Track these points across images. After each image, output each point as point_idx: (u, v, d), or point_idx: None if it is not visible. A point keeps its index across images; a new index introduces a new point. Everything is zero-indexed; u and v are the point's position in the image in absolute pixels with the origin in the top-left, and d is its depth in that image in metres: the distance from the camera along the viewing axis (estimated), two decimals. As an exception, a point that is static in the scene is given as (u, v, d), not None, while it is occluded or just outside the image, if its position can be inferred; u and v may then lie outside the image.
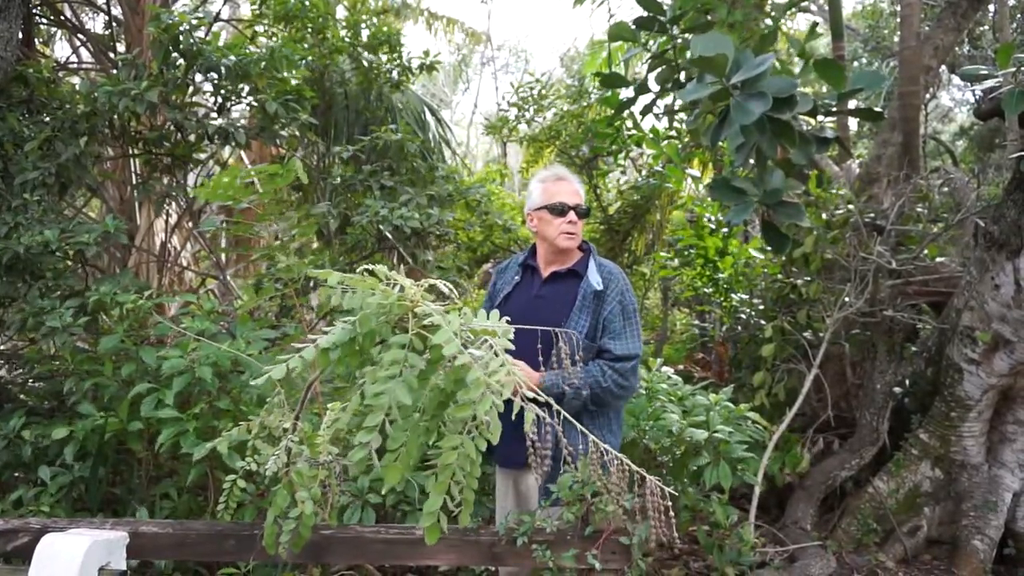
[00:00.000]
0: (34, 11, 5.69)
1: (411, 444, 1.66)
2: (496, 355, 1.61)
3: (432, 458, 1.67)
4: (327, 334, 1.68)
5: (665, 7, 3.09)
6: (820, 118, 2.89)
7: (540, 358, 2.29)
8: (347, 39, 5.52)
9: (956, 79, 13.20)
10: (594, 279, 2.63)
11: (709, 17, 3.13)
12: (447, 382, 1.65)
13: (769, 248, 4.31)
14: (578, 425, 1.83)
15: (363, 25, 5.63)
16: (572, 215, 2.67)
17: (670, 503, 1.79)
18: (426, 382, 1.66)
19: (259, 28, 5.69)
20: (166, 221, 5.98)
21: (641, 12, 3.06)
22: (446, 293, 1.81)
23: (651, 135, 6.08)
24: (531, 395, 1.69)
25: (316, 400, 2.77)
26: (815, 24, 3.78)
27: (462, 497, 1.68)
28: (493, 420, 1.58)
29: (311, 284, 4.10)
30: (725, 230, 5.55)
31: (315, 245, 5.47)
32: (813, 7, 10.86)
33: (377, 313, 1.66)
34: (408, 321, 1.66)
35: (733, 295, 5.53)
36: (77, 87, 4.80)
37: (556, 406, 1.77)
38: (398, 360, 1.59)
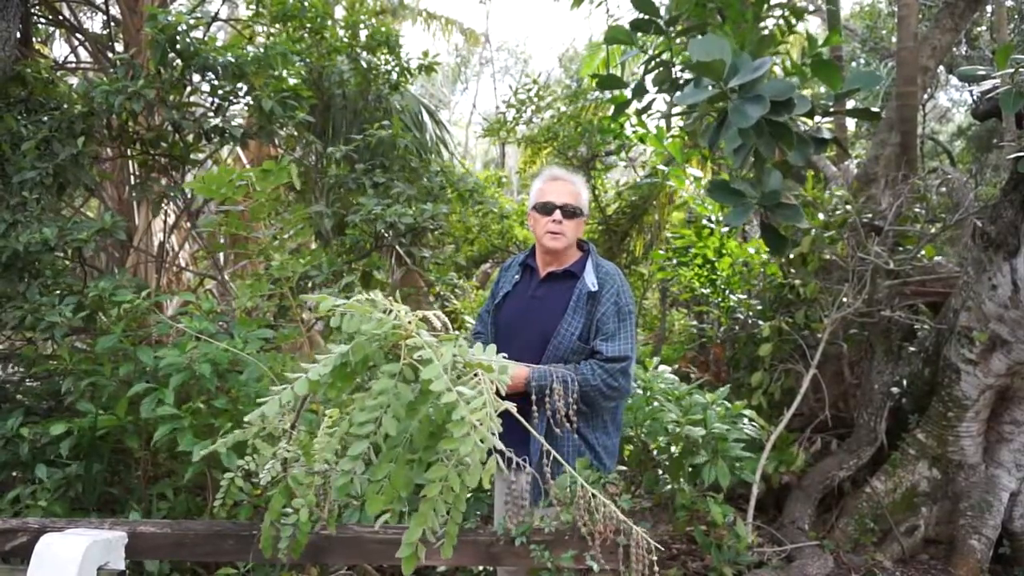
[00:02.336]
0: (32, 10, 5.69)
1: (396, 475, 1.64)
2: (482, 393, 1.58)
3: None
4: (325, 351, 1.67)
5: (662, 9, 3.09)
6: (817, 118, 2.90)
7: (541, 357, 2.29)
8: (345, 39, 5.51)
9: (954, 79, 13.22)
10: (590, 280, 2.62)
11: (720, 17, 3.12)
12: (438, 413, 1.63)
13: (768, 249, 4.32)
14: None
15: (361, 26, 5.62)
16: (557, 214, 2.65)
17: (655, 557, 1.80)
18: (415, 412, 1.65)
19: (257, 28, 5.69)
20: (164, 221, 5.98)
21: (638, 14, 3.06)
22: (438, 327, 1.79)
23: (654, 132, 6.07)
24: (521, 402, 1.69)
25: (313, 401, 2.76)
26: (837, 30, 3.77)
27: (445, 530, 1.67)
28: (475, 461, 1.56)
29: (309, 284, 4.09)
30: (724, 230, 5.56)
31: (313, 245, 5.47)
32: (811, 7, 10.87)
33: (371, 340, 1.64)
34: (401, 349, 1.65)
35: (731, 295, 5.53)
36: (74, 87, 4.79)
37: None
38: (387, 390, 1.58)
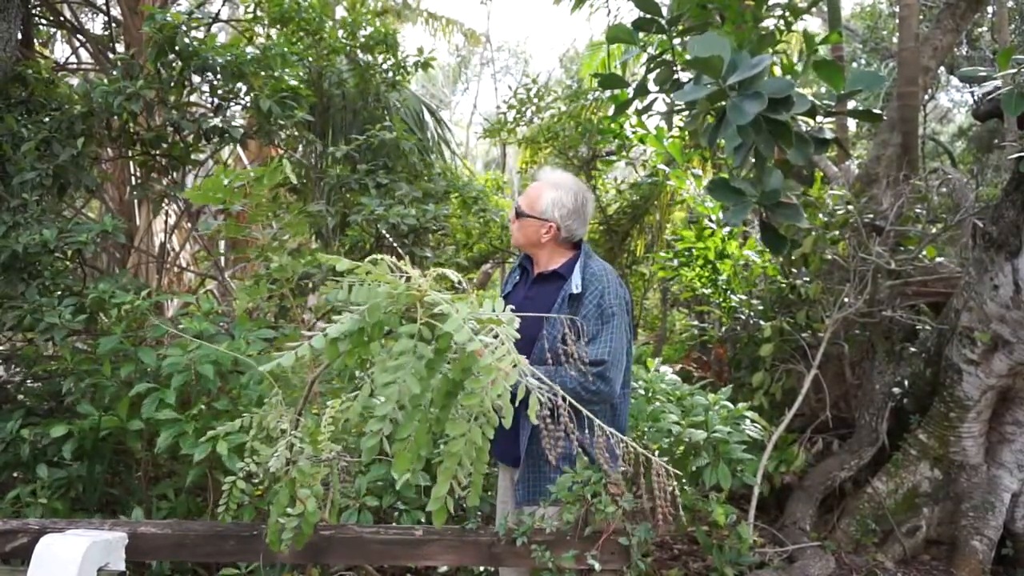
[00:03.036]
0: (33, 11, 5.69)
1: (420, 433, 1.69)
2: (503, 343, 1.62)
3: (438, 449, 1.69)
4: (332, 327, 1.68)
5: (663, 8, 3.09)
6: (819, 119, 2.89)
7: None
8: (344, 40, 5.51)
9: (955, 80, 13.22)
10: (575, 282, 2.60)
11: (719, 17, 3.12)
12: (455, 371, 1.67)
13: (767, 249, 4.31)
14: (589, 414, 1.83)
15: (361, 26, 5.62)
16: (511, 214, 2.79)
17: (675, 484, 1.80)
18: (434, 371, 1.68)
19: (257, 29, 5.69)
20: (165, 222, 5.99)
21: (639, 14, 3.05)
22: (454, 283, 1.83)
23: (654, 132, 6.07)
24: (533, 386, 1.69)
25: (314, 400, 2.76)
26: (837, 30, 3.76)
27: (470, 480, 1.71)
28: (506, 406, 1.60)
29: (309, 285, 4.09)
30: (726, 230, 5.55)
31: (314, 246, 5.47)
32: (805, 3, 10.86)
33: (386, 303, 1.66)
34: (416, 311, 1.67)
35: (732, 295, 5.53)
36: (74, 87, 4.80)
37: (560, 400, 1.77)
38: (407, 350, 1.61)
